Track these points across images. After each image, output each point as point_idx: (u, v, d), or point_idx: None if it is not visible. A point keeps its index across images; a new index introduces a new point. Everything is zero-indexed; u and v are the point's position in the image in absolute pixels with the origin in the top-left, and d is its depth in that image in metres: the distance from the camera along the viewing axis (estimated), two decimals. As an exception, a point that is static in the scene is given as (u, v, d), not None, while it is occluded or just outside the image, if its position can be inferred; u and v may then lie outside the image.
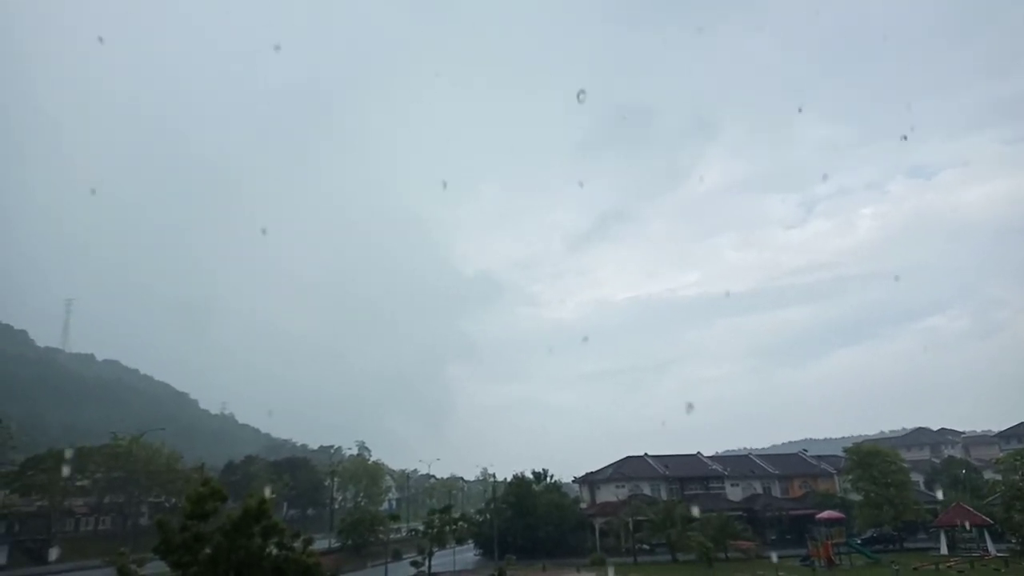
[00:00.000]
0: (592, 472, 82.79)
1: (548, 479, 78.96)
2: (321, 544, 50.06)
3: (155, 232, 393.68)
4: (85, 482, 75.69)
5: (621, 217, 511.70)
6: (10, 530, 66.85)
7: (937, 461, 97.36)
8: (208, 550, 19.84)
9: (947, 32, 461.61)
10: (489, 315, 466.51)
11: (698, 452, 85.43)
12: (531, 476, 77.85)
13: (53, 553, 63.59)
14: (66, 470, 67.53)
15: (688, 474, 79.45)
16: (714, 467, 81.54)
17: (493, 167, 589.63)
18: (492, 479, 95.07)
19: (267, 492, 22.94)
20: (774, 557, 50.12)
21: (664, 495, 74.26)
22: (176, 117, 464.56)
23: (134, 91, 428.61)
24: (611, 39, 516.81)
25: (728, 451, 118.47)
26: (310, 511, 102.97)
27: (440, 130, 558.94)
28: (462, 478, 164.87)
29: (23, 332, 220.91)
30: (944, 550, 54.50)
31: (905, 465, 68.22)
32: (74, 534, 72.93)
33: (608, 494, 76.83)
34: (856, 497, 66.41)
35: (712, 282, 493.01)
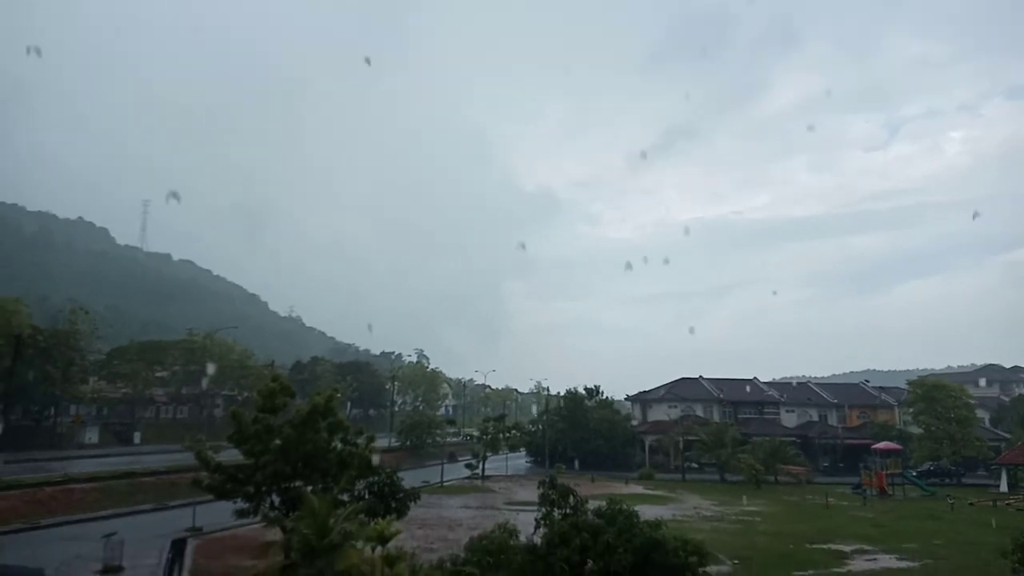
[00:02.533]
0: (645, 391, 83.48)
1: (601, 396, 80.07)
2: (382, 443, 52.47)
3: (228, 139, 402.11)
4: (164, 373, 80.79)
5: (689, 134, 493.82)
6: (100, 413, 72.41)
7: (1006, 399, 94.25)
8: (278, 441, 21.05)
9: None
10: (549, 233, 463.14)
11: (754, 377, 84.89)
12: (584, 392, 79.05)
13: (137, 436, 68.75)
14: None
15: (743, 398, 79.31)
16: (770, 392, 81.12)
17: (559, 83, 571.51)
18: (546, 392, 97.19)
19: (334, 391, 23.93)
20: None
21: (717, 417, 74.57)
22: (242, 26, 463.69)
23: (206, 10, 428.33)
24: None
25: (786, 378, 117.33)
26: (372, 412, 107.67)
27: (507, 45, 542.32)
28: (516, 390, 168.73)
29: (104, 230, 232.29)
30: (1004, 488, 53.51)
31: (971, 401, 66.41)
32: (155, 421, 78.60)
33: (660, 413, 77.64)
34: (916, 430, 65.33)
35: (782, 205, 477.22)
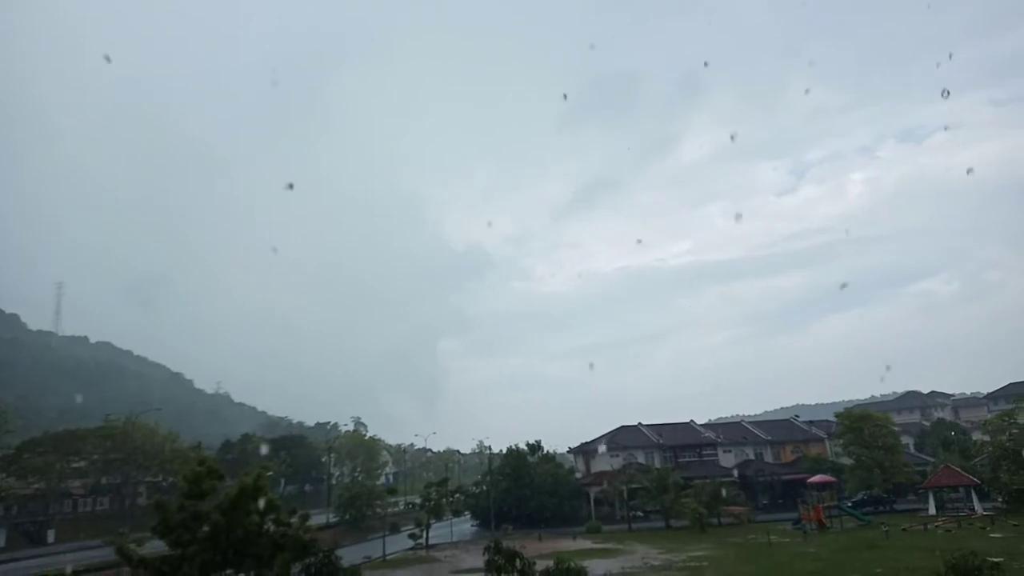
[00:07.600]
0: (586, 442, 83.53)
1: (543, 450, 79.60)
2: (319, 519, 50.52)
3: (147, 214, 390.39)
4: (81, 464, 75.89)
5: (609, 187, 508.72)
6: (8, 513, 67.06)
7: (927, 424, 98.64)
8: (206, 528, 20.00)
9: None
10: (482, 290, 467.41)
11: (691, 420, 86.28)
12: (526, 448, 78.43)
13: (51, 535, 63.95)
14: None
15: (682, 442, 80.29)
16: (707, 435, 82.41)
17: (484, 144, 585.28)
18: (488, 451, 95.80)
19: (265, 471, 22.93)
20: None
21: (658, 463, 75.08)
22: (164, 100, 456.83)
23: (119, 74, 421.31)
24: (594, 3, 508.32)
25: (721, 418, 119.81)
26: (308, 487, 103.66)
27: (435, 111, 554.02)
28: (458, 451, 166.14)
29: (14, 316, 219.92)
30: (933, 510, 55.47)
31: (895, 428, 69.18)
32: (72, 515, 73.20)
33: (603, 463, 77.61)
34: (847, 461, 67.37)
35: (703, 251, 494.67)
